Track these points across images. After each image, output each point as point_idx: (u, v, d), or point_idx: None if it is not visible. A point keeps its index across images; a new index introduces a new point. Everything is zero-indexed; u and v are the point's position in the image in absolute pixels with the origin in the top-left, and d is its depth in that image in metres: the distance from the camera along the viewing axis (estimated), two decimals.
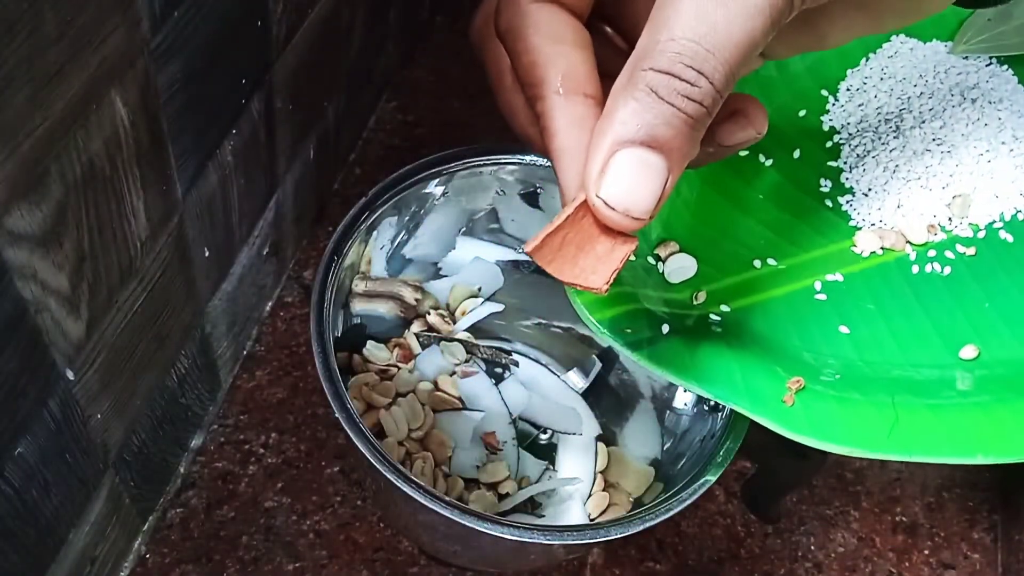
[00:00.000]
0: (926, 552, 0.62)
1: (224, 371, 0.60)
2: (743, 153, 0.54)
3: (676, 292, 0.48)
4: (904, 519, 0.63)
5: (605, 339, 0.43)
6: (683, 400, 0.55)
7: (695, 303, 0.48)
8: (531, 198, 0.56)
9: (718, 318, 0.47)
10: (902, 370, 0.45)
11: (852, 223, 0.51)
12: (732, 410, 0.48)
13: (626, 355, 0.43)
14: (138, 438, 0.49)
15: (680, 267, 0.49)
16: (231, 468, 0.59)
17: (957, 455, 0.40)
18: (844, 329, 0.47)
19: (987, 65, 0.55)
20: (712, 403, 0.50)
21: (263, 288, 0.63)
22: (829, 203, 0.52)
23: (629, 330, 0.44)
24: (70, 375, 0.39)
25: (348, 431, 0.44)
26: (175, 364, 0.51)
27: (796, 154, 0.54)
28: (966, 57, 0.55)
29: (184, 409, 0.55)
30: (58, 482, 0.42)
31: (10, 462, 0.37)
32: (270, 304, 0.66)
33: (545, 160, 0.54)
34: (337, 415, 0.44)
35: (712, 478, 0.46)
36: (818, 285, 0.49)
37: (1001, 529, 0.64)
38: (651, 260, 0.49)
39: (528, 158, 0.54)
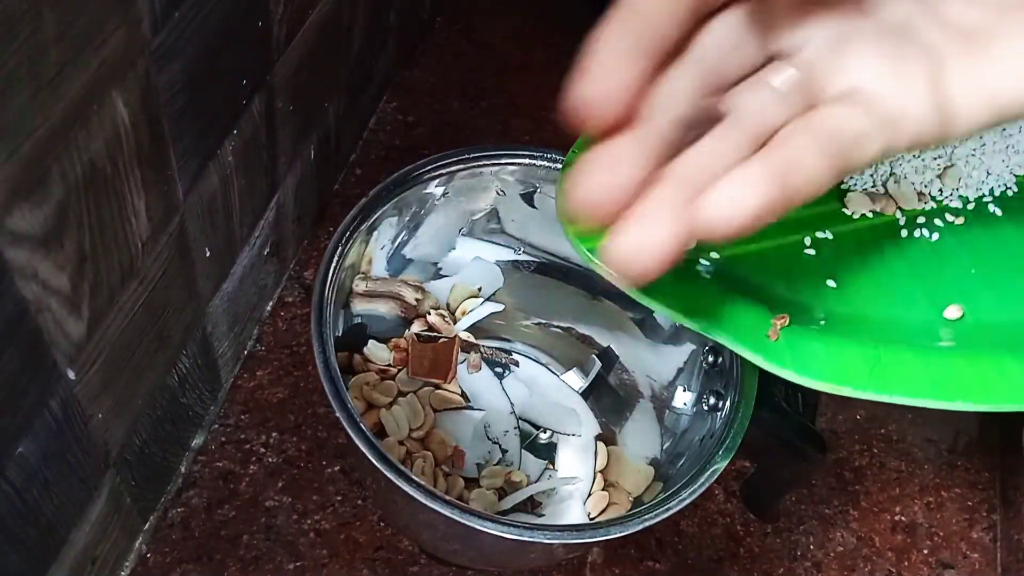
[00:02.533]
0: (925, 551, 0.62)
1: (225, 371, 0.60)
2: None
3: None
4: (903, 518, 0.63)
5: (592, 266, 0.43)
6: (682, 400, 0.55)
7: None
8: (531, 198, 0.56)
9: (707, 263, 0.47)
10: (887, 322, 0.45)
11: (843, 186, 0.52)
12: (732, 410, 0.49)
13: (612, 281, 0.43)
14: (139, 438, 0.49)
15: None
16: (232, 467, 0.59)
17: (938, 398, 0.40)
18: (831, 283, 0.47)
19: None
20: (712, 403, 0.51)
21: (264, 288, 0.63)
22: None
23: None
24: (71, 375, 0.39)
25: (348, 431, 0.44)
26: (176, 364, 0.51)
27: None
28: None
29: (185, 409, 0.56)
30: (59, 481, 0.42)
31: (11, 462, 0.37)
32: (271, 304, 0.66)
33: (545, 159, 0.54)
34: (337, 414, 0.45)
35: (711, 478, 0.46)
36: (807, 240, 0.49)
37: (1000, 529, 0.64)
38: None
39: (528, 158, 0.54)
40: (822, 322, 0.44)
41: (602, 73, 0.30)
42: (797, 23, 0.34)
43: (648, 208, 0.31)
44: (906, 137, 0.33)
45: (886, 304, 0.47)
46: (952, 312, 0.46)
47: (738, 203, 0.31)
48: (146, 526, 0.56)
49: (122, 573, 0.54)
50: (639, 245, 0.31)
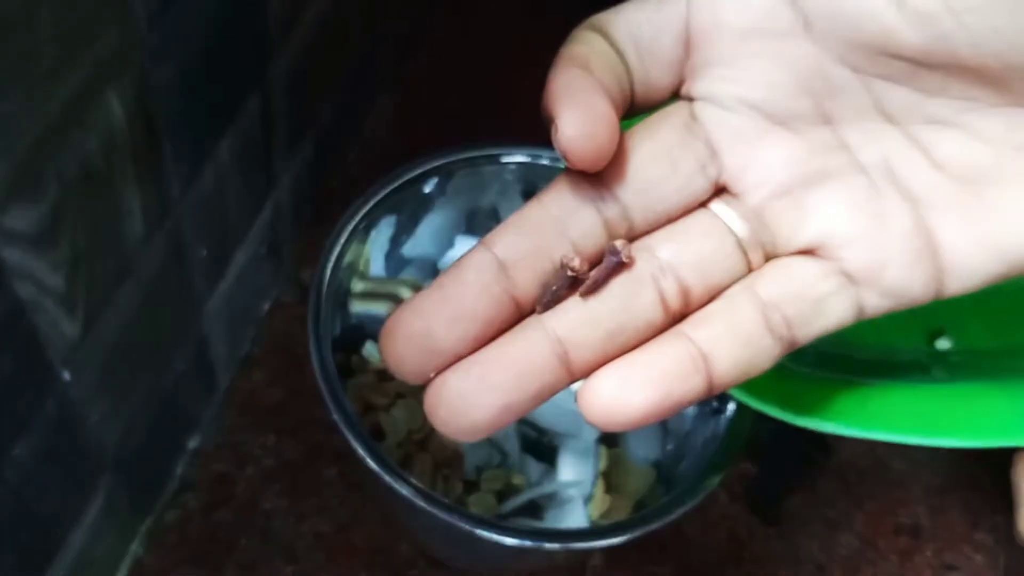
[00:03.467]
0: (929, 554, 0.62)
1: (221, 372, 0.60)
2: None
3: None
4: (907, 521, 0.63)
5: None
6: None
7: None
8: (531, 197, 0.56)
9: None
10: (877, 354, 0.45)
11: None
12: (735, 412, 0.48)
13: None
14: (135, 440, 0.49)
15: None
16: (229, 470, 0.59)
17: (924, 435, 0.40)
18: None
19: None
20: (715, 405, 0.50)
21: (261, 288, 0.63)
22: None
23: None
24: (66, 376, 0.38)
25: (346, 433, 0.44)
26: (172, 365, 0.51)
27: None
28: None
29: (181, 410, 0.55)
30: (54, 484, 0.41)
31: (6, 464, 0.37)
32: (268, 304, 0.65)
33: (545, 159, 0.54)
34: (335, 417, 0.44)
35: (715, 481, 0.46)
36: None
37: (1004, 530, 0.64)
38: None
39: (528, 157, 0.54)
40: (809, 358, 0.44)
41: (585, 106, 0.29)
42: (751, 155, 0.29)
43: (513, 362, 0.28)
44: (885, 300, 0.29)
45: (876, 334, 0.46)
46: (943, 343, 0.46)
47: (624, 402, 0.28)
48: (142, 529, 0.55)
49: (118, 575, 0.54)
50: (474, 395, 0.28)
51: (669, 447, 0.55)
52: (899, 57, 0.26)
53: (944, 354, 0.45)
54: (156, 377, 0.49)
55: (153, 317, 0.46)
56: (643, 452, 0.56)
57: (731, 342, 0.28)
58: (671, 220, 0.29)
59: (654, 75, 0.29)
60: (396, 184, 0.52)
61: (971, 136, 0.27)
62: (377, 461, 0.43)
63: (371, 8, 0.66)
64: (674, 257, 0.29)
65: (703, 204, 0.30)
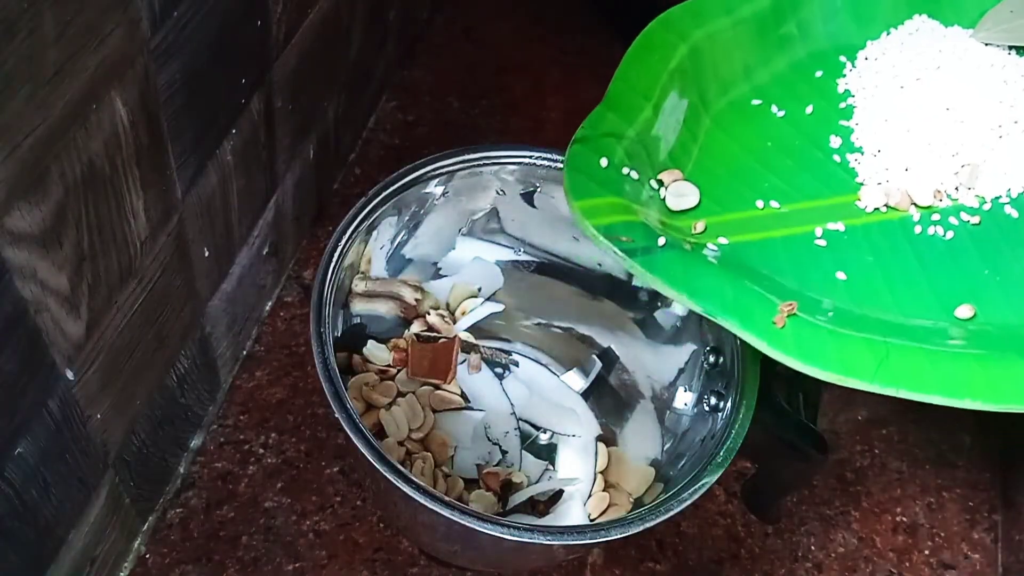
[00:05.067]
0: (926, 552, 0.62)
1: (224, 371, 0.60)
2: (756, 101, 0.55)
3: (676, 219, 0.49)
4: (904, 519, 0.63)
5: (600, 245, 0.43)
6: (683, 400, 0.55)
7: (694, 232, 0.48)
8: (531, 198, 0.56)
9: (715, 249, 0.47)
10: (896, 318, 0.45)
11: (858, 179, 0.52)
12: (733, 411, 0.49)
13: (619, 260, 0.43)
14: (138, 438, 0.49)
15: (682, 195, 0.49)
16: (231, 468, 0.59)
17: (947, 395, 0.40)
18: (841, 275, 0.47)
19: (1007, 53, 0.55)
20: (713, 403, 0.51)
21: (263, 288, 0.63)
22: (837, 158, 0.53)
23: (625, 238, 0.44)
24: (70, 375, 0.39)
25: (347, 431, 0.44)
26: (175, 364, 0.51)
27: (808, 110, 0.55)
28: (987, 45, 0.56)
29: (184, 409, 0.56)
30: (58, 482, 0.42)
31: (10, 462, 0.37)
32: (270, 304, 0.66)
33: (545, 159, 0.54)
34: (336, 415, 0.44)
35: (712, 478, 0.46)
36: (819, 231, 0.49)
37: (1001, 529, 0.64)
38: (654, 185, 0.49)
39: (528, 158, 0.54)
40: (830, 313, 0.44)
41: None
42: None
43: None
44: None
45: (896, 300, 0.47)
46: (963, 311, 0.46)
47: None
48: (145, 527, 0.56)
49: (121, 573, 0.54)
50: None
51: (667, 446, 0.55)
52: None
53: (963, 322, 0.46)
54: (159, 376, 0.50)
55: (156, 317, 0.46)
56: (642, 450, 0.57)
57: None
58: None
59: None
60: (397, 185, 0.52)
61: None
62: (378, 459, 0.44)
63: (372, 11, 0.67)
64: None
65: None
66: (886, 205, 0.50)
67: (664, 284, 0.43)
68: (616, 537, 0.44)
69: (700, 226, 0.48)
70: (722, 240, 0.48)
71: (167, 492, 0.57)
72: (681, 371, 0.56)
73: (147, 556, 0.55)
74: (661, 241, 0.45)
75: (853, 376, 0.41)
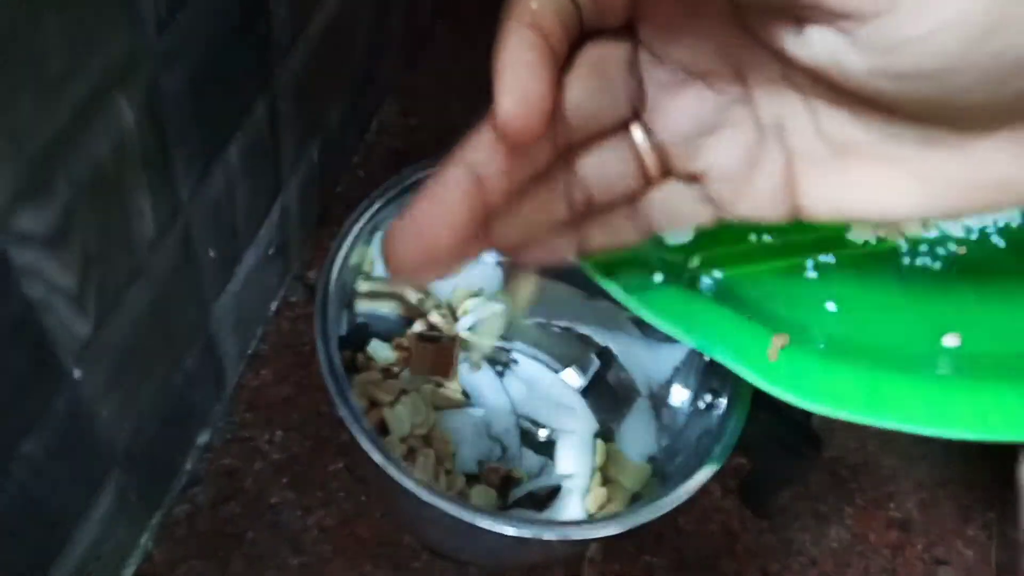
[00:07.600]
0: (920, 548, 0.63)
1: (230, 370, 0.61)
2: None
3: (670, 254, 0.49)
4: (898, 515, 0.64)
5: (597, 279, 0.44)
6: (680, 398, 0.55)
7: (689, 266, 0.49)
8: None
9: (710, 281, 0.48)
10: (885, 348, 0.46)
11: None
12: (729, 408, 0.49)
13: (615, 296, 0.44)
14: (145, 436, 0.50)
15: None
16: (237, 465, 0.60)
17: (935, 426, 0.41)
18: (831, 306, 0.48)
19: None
20: (709, 401, 0.51)
21: (268, 288, 0.64)
22: None
23: (621, 274, 0.45)
24: (77, 374, 0.39)
25: (351, 428, 0.45)
26: (181, 363, 0.51)
27: None
28: None
29: (190, 407, 0.56)
30: (64, 480, 0.42)
31: (16, 460, 0.37)
32: (275, 304, 0.66)
33: None
34: (341, 413, 0.45)
35: (708, 474, 0.47)
36: (810, 263, 0.50)
37: (995, 526, 0.64)
38: None
39: None
40: (821, 346, 0.45)
41: (522, 88, 0.33)
42: (672, 98, 0.35)
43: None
44: (744, 215, 0.35)
45: (885, 330, 0.47)
46: (950, 340, 0.46)
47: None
48: (152, 523, 0.56)
49: (127, 570, 0.55)
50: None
51: (664, 442, 0.56)
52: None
53: (951, 351, 0.46)
54: (166, 375, 0.50)
55: (163, 317, 0.46)
56: (638, 447, 0.57)
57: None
58: (599, 135, 0.35)
59: (608, 21, 0.34)
60: (401, 187, 0.53)
61: (855, 118, 0.31)
62: (382, 455, 0.44)
63: (376, 15, 0.67)
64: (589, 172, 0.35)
65: (625, 124, 0.35)
66: (875, 236, 0.51)
67: (661, 320, 0.44)
68: (614, 532, 0.45)
69: (695, 260, 0.49)
70: (716, 274, 0.49)
71: (173, 488, 0.58)
72: (677, 369, 0.56)
73: (153, 552, 0.56)
74: (658, 277, 0.46)
75: (844, 409, 0.41)
